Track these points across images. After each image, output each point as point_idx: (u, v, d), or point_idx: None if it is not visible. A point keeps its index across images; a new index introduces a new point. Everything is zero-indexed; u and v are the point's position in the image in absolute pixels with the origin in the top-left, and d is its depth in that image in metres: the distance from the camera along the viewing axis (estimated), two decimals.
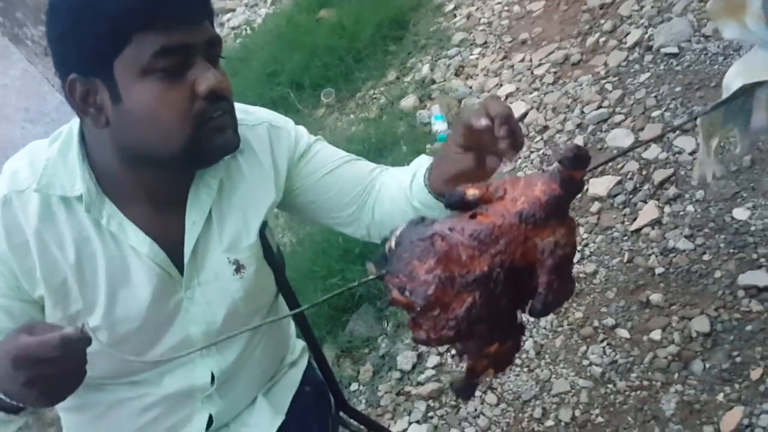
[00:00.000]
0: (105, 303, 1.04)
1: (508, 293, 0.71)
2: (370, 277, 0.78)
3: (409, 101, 3.12)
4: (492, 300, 0.70)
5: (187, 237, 1.07)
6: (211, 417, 1.18)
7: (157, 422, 1.16)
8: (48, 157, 1.01)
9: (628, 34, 2.79)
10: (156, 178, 1.03)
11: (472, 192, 0.76)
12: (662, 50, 2.60)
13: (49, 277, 1.01)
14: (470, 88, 3.01)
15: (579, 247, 2.14)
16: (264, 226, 1.17)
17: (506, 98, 2.83)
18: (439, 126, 2.82)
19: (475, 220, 0.73)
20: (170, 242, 1.06)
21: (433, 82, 3.19)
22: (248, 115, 1.16)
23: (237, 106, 1.17)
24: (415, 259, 0.72)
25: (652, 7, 2.85)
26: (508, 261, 0.71)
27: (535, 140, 2.59)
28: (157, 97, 0.93)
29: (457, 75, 3.15)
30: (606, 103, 2.55)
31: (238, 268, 1.11)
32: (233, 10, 5.26)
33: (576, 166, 0.71)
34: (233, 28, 4.99)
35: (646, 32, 2.74)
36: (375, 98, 3.36)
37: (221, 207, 1.09)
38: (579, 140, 2.47)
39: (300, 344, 1.41)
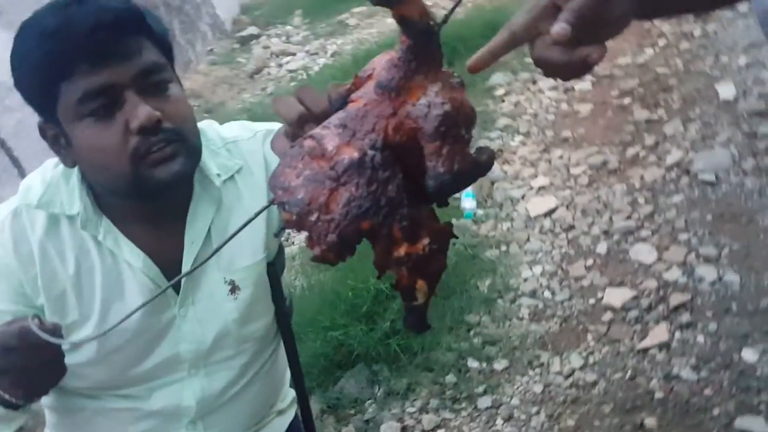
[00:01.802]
0: (98, 315, 1.07)
1: (396, 178, 0.61)
2: (262, 208, 0.69)
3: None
4: (375, 189, 0.60)
5: (185, 256, 1.09)
6: None
7: None
8: (53, 176, 1.06)
9: (668, 153, 2.82)
10: (144, 202, 1.05)
11: (343, 86, 0.67)
12: (700, 176, 2.63)
13: (49, 287, 1.05)
14: (505, 172, 3.05)
15: (583, 354, 2.13)
16: (275, 258, 1.19)
17: (538, 191, 2.86)
18: (468, 204, 2.84)
19: (344, 108, 0.65)
20: (168, 260, 1.08)
21: None
22: (245, 130, 1.19)
23: (235, 124, 1.21)
24: (286, 168, 0.65)
25: (696, 132, 2.89)
26: (381, 139, 0.61)
27: (559, 236, 2.60)
28: (92, 140, 0.96)
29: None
30: (635, 215, 2.57)
31: (233, 288, 1.13)
32: (294, 55, 5.40)
33: (391, 1, 0.60)
34: (290, 71, 5.12)
35: (687, 155, 2.77)
36: None
37: (219, 227, 1.11)
38: (602, 246, 2.48)
39: (291, 394, 1.40)
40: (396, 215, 0.61)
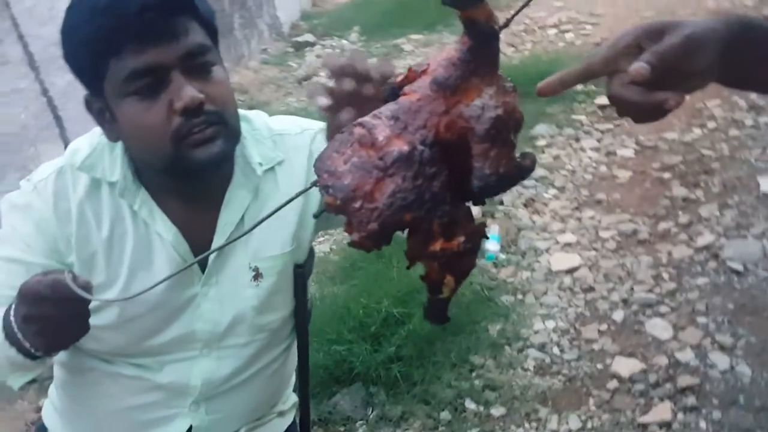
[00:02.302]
0: (124, 281, 1.10)
1: (442, 174, 0.62)
2: (305, 189, 0.72)
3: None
4: (421, 184, 0.61)
5: (216, 236, 1.12)
6: (191, 429, 1.19)
7: (142, 410, 1.17)
8: (99, 142, 1.09)
9: (700, 234, 2.81)
10: (183, 181, 1.08)
11: (399, 78, 0.68)
12: (728, 263, 2.61)
13: (82, 247, 1.08)
14: (534, 222, 3.05)
15: (582, 417, 2.10)
16: (305, 261, 1.20)
17: (564, 246, 2.86)
18: (492, 246, 2.84)
19: (397, 100, 0.66)
20: (199, 238, 1.11)
21: (501, 203, 3.24)
22: (295, 126, 1.21)
23: (286, 118, 1.22)
24: (333, 153, 0.65)
25: (732, 219, 2.87)
26: (431, 135, 0.62)
27: (578, 296, 2.59)
28: (136, 118, 0.99)
29: (525, 206, 3.20)
30: (657, 290, 2.55)
31: (257, 275, 1.15)
32: None
33: (462, 3, 0.61)
34: None
35: (718, 240, 2.76)
36: None
37: (253, 215, 1.13)
38: (619, 314, 2.47)
39: (293, 398, 1.41)
40: (438, 211, 0.62)
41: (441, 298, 0.67)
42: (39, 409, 2.59)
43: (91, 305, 1.05)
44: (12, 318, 0.94)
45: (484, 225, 0.67)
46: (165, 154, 1.00)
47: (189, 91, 0.96)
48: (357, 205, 0.62)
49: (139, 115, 0.98)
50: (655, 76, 0.70)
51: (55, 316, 0.88)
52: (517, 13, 0.72)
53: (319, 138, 1.20)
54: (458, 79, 0.63)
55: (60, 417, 1.24)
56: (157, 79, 0.97)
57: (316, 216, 0.71)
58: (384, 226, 0.61)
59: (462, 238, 0.64)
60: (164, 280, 0.82)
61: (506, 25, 0.67)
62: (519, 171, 0.63)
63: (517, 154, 0.64)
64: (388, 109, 0.65)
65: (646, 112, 0.75)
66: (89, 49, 0.97)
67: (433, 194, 0.61)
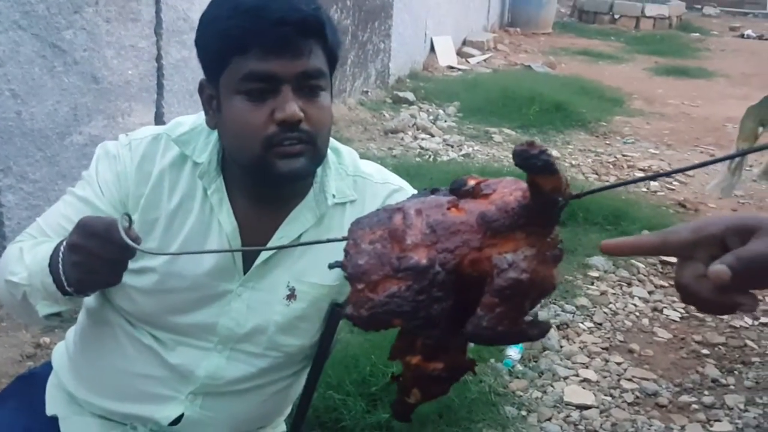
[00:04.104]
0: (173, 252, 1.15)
1: (445, 302, 0.61)
2: (332, 240, 0.75)
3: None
4: (422, 300, 0.61)
5: (269, 245, 1.16)
6: (181, 417, 1.20)
7: (145, 380, 1.20)
8: (200, 124, 1.17)
9: (719, 421, 2.73)
10: (259, 184, 1.14)
11: (471, 181, 0.68)
12: None
13: (147, 210, 1.15)
14: (561, 347, 3.01)
15: None
16: (341, 310, 1.23)
17: (581, 382, 2.81)
18: (514, 353, 2.82)
19: (447, 211, 0.66)
20: (254, 241, 1.17)
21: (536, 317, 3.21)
22: (380, 175, 1.26)
23: (374, 164, 1.27)
24: (367, 227, 0.66)
25: (754, 417, 2.79)
26: (453, 263, 0.62)
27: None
28: (240, 115, 1.05)
29: (558, 327, 3.17)
30: None
31: (291, 295, 1.19)
32: (432, 136, 5.55)
33: (532, 168, 0.59)
34: (421, 148, 5.25)
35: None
36: None
37: (311, 238, 1.18)
38: None
39: (282, 427, 1.42)
40: (426, 331, 0.62)
41: (407, 401, 0.67)
42: (38, 345, 2.65)
43: (137, 266, 1.11)
44: (61, 248, 0.99)
45: (473, 363, 0.67)
46: (253, 154, 1.06)
47: (292, 107, 1.03)
48: (360, 286, 0.64)
49: (243, 114, 1.05)
50: (734, 281, 0.66)
51: (97, 255, 0.94)
52: (593, 192, 0.70)
53: (395, 197, 1.24)
54: (504, 227, 0.62)
55: (69, 361, 1.27)
56: (269, 86, 1.04)
57: (331, 267, 0.75)
58: (372, 319, 0.62)
59: (440, 365, 0.65)
60: (207, 252, 0.86)
61: (577, 197, 0.65)
62: (521, 335, 0.63)
63: (531, 317, 0.63)
64: (434, 214, 0.65)
65: (716, 308, 0.71)
66: (221, 42, 1.05)
67: (429, 315, 0.61)
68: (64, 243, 1.00)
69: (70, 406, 1.25)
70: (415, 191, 1.26)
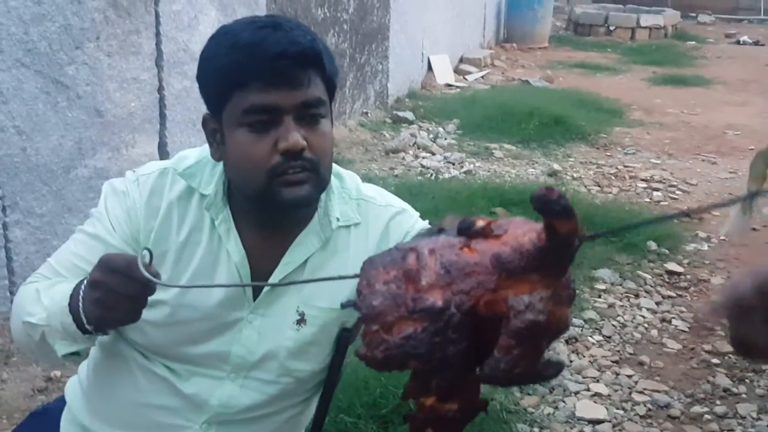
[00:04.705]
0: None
1: (461, 343, 0.62)
2: (343, 277, 0.76)
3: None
4: (437, 342, 0.61)
5: (276, 271, 1.19)
6: None
7: (159, 411, 1.21)
8: (205, 157, 1.19)
9: (732, 430, 2.72)
10: (265, 213, 1.16)
11: (480, 222, 0.68)
12: None
13: (158, 243, 1.17)
14: (570, 362, 3.01)
15: None
16: (353, 327, 1.24)
17: (593, 396, 2.81)
18: None
19: (460, 251, 0.66)
20: (263, 267, 1.18)
21: None
22: (382, 198, 1.28)
23: (375, 188, 1.29)
24: (381, 266, 0.66)
25: (766, 426, 2.78)
26: (469, 304, 0.62)
27: None
28: (243, 147, 1.08)
29: (567, 342, 3.17)
30: None
31: (301, 320, 1.21)
32: (433, 154, 5.58)
33: (551, 212, 0.59)
34: (423, 167, 5.28)
35: None
36: None
37: (316, 262, 1.20)
38: None
39: None
40: (441, 373, 0.63)
41: None
42: (49, 379, 2.66)
43: (149, 300, 1.13)
44: (82, 287, 1.01)
45: (486, 403, 0.67)
46: (258, 184, 1.08)
47: (294, 136, 1.06)
48: (374, 327, 0.63)
49: (246, 146, 1.08)
50: None
51: (117, 291, 0.96)
52: (609, 233, 0.70)
53: (398, 219, 1.26)
54: (519, 269, 0.62)
55: (83, 394, 1.29)
56: (271, 118, 1.07)
57: (343, 306, 0.76)
58: (387, 361, 0.63)
59: (455, 406, 0.65)
60: (218, 286, 0.87)
61: (590, 238, 0.65)
62: (536, 376, 0.63)
63: (549, 355, 0.64)
64: (448, 255, 0.65)
65: None
66: (220, 78, 1.08)
67: (445, 357, 0.62)
68: (85, 281, 1.01)
69: None
70: (418, 214, 1.28)
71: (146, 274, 0.91)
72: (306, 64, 1.07)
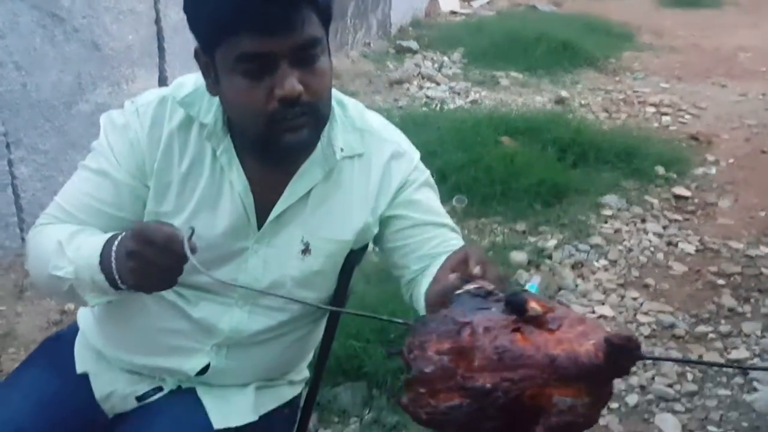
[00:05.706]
0: (188, 215, 1.17)
1: (498, 421, 0.67)
2: (400, 320, 0.79)
3: (519, 257, 3.17)
4: (478, 418, 0.66)
5: (280, 202, 1.18)
6: (207, 367, 1.24)
7: (170, 335, 1.23)
8: (203, 84, 1.15)
9: (735, 348, 2.76)
10: (266, 153, 1.13)
11: (533, 306, 0.71)
12: (755, 383, 2.56)
13: (161, 174, 1.16)
14: (576, 286, 3.04)
15: None
16: (360, 249, 1.24)
17: (599, 318, 2.84)
18: (536, 281, 2.86)
19: (514, 335, 0.69)
20: (265, 197, 1.18)
21: (550, 258, 3.24)
22: (386, 131, 1.26)
23: (381, 118, 1.27)
24: (435, 334, 0.70)
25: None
26: (515, 392, 0.67)
27: None
28: (238, 94, 1.05)
29: (573, 267, 3.19)
30: (677, 387, 2.52)
31: (306, 250, 1.21)
32: (438, 84, 5.51)
33: (628, 360, 0.66)
34: (427, 97, 5.22)
35: (753, 359, 2.70)
36: (494, 232, 3.44)
37: (319, 193, 1.20)
38: (633, 398, 2.45)
39: (305, 373, 1.45)
40: None
41: None
42: (63, 312, 2.71)
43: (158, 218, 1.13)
44: (114, 248, 1.02)
45: None
46: (258, 131, 1.07)
47: (291, 83, 1.02)
48: (422, 390, 0.68)
49: (242, 93, 1.05)
50: None
51: (155, 263, 0.97)
52: (666, 359, 0.77)
53: (399, 160, 1.24)
54: (571, 377, 0.66)
55: (95, 321, 1.31)
56: (265, 64, 1.03)
57: (390, 354, 0.80)
58: (430, 422, 0.67)
59: None
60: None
61: (644, 358, 0.71)
62: None
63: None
64: (502, 339, 0.68)
65: None
66: (209, 23, 1.04)
67: (479, 428, 0.67)
68: (115, 242, 1.02)
69: (99, 362, 1.29)
70: (418, 155, 1.26)
71: (187, 249, 0.92)
72: (299, 3, 1.01)
